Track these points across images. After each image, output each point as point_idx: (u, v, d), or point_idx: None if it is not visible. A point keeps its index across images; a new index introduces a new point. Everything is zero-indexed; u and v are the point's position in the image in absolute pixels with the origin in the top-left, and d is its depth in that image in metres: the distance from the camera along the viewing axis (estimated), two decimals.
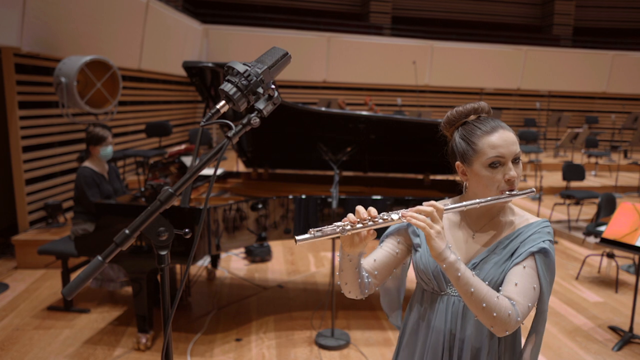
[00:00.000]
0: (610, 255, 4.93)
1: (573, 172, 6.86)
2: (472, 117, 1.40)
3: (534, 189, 1.37)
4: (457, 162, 1.41)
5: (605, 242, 3.68)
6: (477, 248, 1.41)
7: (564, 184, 7.54)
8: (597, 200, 5.86)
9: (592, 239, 5.72)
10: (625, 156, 12.01)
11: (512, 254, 1.35)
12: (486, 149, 1.33)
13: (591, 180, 9.33)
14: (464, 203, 1.32)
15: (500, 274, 1.35)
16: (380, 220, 1.26)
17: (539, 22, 16.16)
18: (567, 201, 6.59)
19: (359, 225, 1.25)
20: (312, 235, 1.22)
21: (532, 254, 1.32)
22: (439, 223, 1.26)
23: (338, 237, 1.27)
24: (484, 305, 1.24)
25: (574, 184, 7.66)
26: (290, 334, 3.71)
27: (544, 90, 13.85)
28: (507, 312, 1.24)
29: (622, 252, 4.59)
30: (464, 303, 1.36)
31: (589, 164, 10.40)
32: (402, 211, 1.28)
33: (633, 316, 3.77)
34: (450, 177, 4.46)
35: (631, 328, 3.76)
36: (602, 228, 4.87)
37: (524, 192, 1.35)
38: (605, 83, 13.87)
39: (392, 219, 1.27)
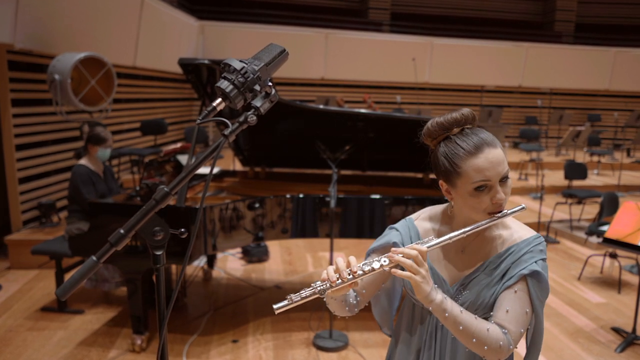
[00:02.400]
0: (613, 256, 4.89)
1: (575, 170, 6.83)
2: (455, 129, 1.27)
3: (524, 206, 1.29)
4: (441, 181, 1.32)
5: (608, 242, 3.66)
6: (467, 265, 1.36)
7: (565, 182, 7.51)
8: (599, 200, 5.84)
9: (594, 239, 5.68)
10: (628, 154, 11.97)
11: (503, 275, 1.30)
12: (471, 172, 1.22)
13: (593, 179, 9.26)
14: (449, 235, 1.25)
15: (491, 296, 1.30)
16: (360, 272, 1.21)
17: (540, 19, 16.10)
18: (569, 200, 6.56)
19: (339, 282, 1.21)
20: (291, 302, 1.19)
21: (524, 276, 1.27)
22: (423, 267, 1.20)
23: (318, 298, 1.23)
24: (474, 340, 1.22)
25: (576, 182, 7.63)
26: (287, 335, 3.68)
27: (546, 88, 13.79)
28: (498, 344, 1.22)
29: (624, 252, 4.55)
30: None
31: (591, 163, 10.35)
32: (383, 260, 1.22)
33: (636, 317, 3.73)
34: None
35: (634, 329, 3.72)
36: (604, 228, 4.81)
37: (512, 210, 1.26)
38: (607, 80, 13.82)
39: (372, 268, 1.22)
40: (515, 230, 1.34)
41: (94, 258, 1.02)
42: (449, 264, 1.38)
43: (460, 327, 1.22)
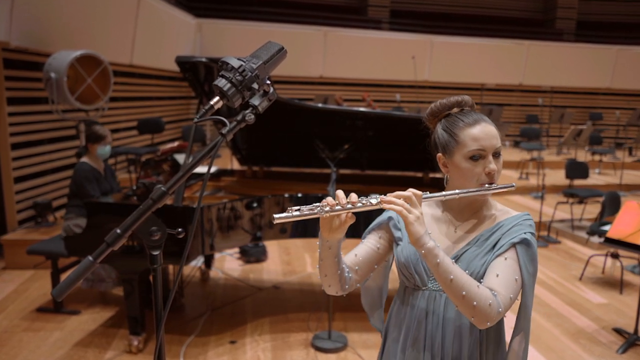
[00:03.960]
0: (615, 256, 4.85)
1: (576, 169, 6.80)
2: (455, 109, 1.42)
3: (514, 184, 1.38)
4: (439, 154, 1.42)
5: (610, 241, 3.65)
6: (460, 241, 1.42)
7: (567, 182, 7.47)
8: (601, 199, 5.80)
9: (595, 239, 5.65)
10: (630, 153, 11.91)
11: (494, 246, 1.36)
12: (467, 140, 1.34)
13: (595, 178, 9.22)
14: (443, 193, 1.33)
15: (482, 265, 1.35)
16: (360, 204, 1.25)
17: (541, 16, 16.05)
18: (570, 200, 6.53)
19: (337, 208, 1.24)
20: (291, 214, 1.21)
21: (514, 245, 1.32)
22: (417, 208, 1.26)
23: (317, 218, 1.26)
24: (464, 293, 1.22)
25: (577, 182, 7.58)
26: (286, 336, 3.66)
27: (547, 86, 13.74)
28: (487, 302, 1.23)
29: (626, 252, 4.52)
30: (446, 296, 1.38)
31: (592, 162, 10.25)
32: (381, 196, 1.27)
33: (638, 318, 3.71)
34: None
35: (636, 330, 3.70)
36: (606, 227, 4.79)
37: (504, 186, 1.35)
38: (609, 78, 13.76)
39: (370, 203, 1.26)
40: (506, 210, 1.44)
41: (91, 258, 1.01)
42: (442, 241, 1.42)
43: (451, 277, 1.23)
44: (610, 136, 13.58)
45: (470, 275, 1.32)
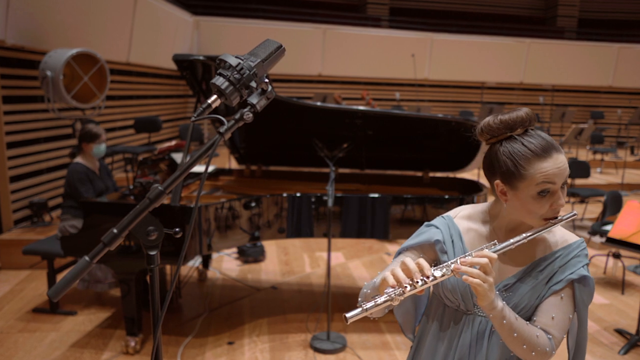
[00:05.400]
0: (616, 256, 4.83)
1: (578, 169, 6.77)
2: (519, 130, 1.24)
3: (576, 213, 1.30)
4: (497, 181, 1.27)
5: (611, 241, 3.62)
6: (510, 266, 1.33)
7: (568, 181, 7.46)
8: (602, 199, 5.74)
9: (597, 239, 5.63)
10: (632, 153, 11.86)
11: (550, 279, 1.29)
12: (537, 176, 1.20)
13: (596, 178, 9.17)
14: (511, 241, 1.22)
15: (536, 298, 1.30)
16: (432, 278, 1.15)
17: (542, 14, 16.03)
18: (572, 199, 6.51)
19: (409, 289, 1.13)
20: (363, 309, 1.11)
21: (572, 281, 1.28)
22: (491, 274, 1.17)
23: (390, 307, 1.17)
24: (525, 346, 1.22)
25: (579, 181, 7.56)
26: (284, 337, 3.64)
27: (548, 85, 13.70)
28: (545, 349, 1.24)
29: (628, 252, 4.51)
30: (492, 324, 1.31)
31: (594, 161, 10.24)
32: (455, 266, 1.17)
33: None
34: (450, 175, 4.38)
35: (638, 331, 3.68)
36: (607, 227, 4.78)
37: (567, 216, 1.27)
38: (611, 77, 13.72)
39: (444, 274, 1.17)
40: (558, 234, 1.34)
41: (87, 258, 1.01)
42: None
43: (515, 334, 1.21)
44: (612, 135, 13.53)
45: (524, 307, 1.29)
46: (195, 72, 3.58)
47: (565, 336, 1.29)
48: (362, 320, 3.80)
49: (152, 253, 1.12)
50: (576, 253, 1.30)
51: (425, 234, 1.40)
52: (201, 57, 3.40)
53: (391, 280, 1.14)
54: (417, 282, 1.13)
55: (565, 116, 11.72)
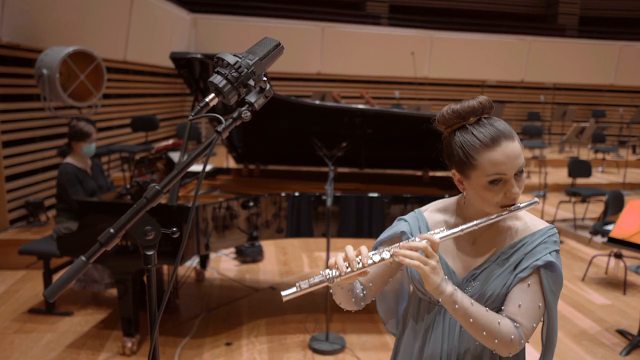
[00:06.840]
0: (618, 256, 4.81)
1: (579, 168, 6.76)
2: (472, 119, 1.24)
3: (537, 200, 1.27)
4: (454, 170, 1.30)
5: (613, 241, 3.62)
6: (478, 256, 1.34)
7: (569, 180, 7.45)
8: (604, 198, 5.74)
9: (599, 239, 5.59)
10: (634, 152, 11.86)
11: (516, 267, 1.28)
12: (486, 165, 1.20)
13: (598, 177, 9.15)
14: (460, 227, 1.24)
15: (503, 287, 1.28)
16: (370, 262, 1.21)
17: (543, 11, 15.98)
18: (573, 199, 6.49)
19: (348, 271, 1.20)
20: (299, 289, 1.19)
21: (538, 268, 1.26)
22: (433, 257, 1.19)
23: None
24: (485, 333, 1.21)
25: (580, 180, 7.55)
26: (282, 337, 3.62)
27: (549, 83, 13.64)
28: (509, 337, 1.22)
29: (630, 252, 4.47)
30: None
31: (595, 160, 10.22)
32: (394, 249, 1.21)
33: None
34: (450, 174, 4.36)
35: (639, 332, 3.68)
36: (609, 227, 4.76)
37: (525, 204, 1.25)
38: (612, 75, 13.65)
39: (383, 258, 1.22)
40: (527, 221, 1.33)
41: (83, 258, 1.01)
42: (458, 255, 1.36)
43: (471, 320, 1.21)
44: (614, 134, 13.47)
45: (491, 295, 1.28)
46: (193, 70, 3.57)
47: (536, 326, 1.26)
48: (362, 321, 3.79)
49: (149, 253, 1.11)
50: (543, 239, 1.28)
51: (394, 227, 1.45)
52: (199, 55, 3.39)
53: (330, 262, 1.22)
54: (355, 266, 1.19)
55: (566, 115, 11.70)
